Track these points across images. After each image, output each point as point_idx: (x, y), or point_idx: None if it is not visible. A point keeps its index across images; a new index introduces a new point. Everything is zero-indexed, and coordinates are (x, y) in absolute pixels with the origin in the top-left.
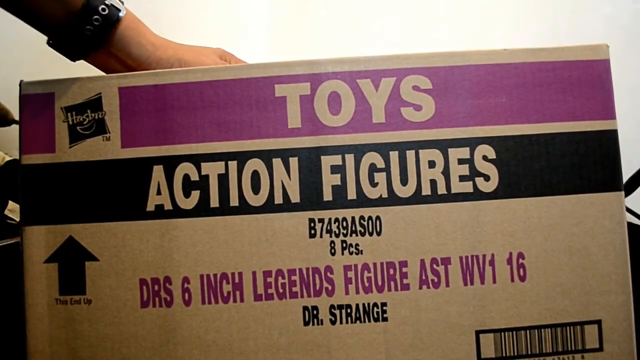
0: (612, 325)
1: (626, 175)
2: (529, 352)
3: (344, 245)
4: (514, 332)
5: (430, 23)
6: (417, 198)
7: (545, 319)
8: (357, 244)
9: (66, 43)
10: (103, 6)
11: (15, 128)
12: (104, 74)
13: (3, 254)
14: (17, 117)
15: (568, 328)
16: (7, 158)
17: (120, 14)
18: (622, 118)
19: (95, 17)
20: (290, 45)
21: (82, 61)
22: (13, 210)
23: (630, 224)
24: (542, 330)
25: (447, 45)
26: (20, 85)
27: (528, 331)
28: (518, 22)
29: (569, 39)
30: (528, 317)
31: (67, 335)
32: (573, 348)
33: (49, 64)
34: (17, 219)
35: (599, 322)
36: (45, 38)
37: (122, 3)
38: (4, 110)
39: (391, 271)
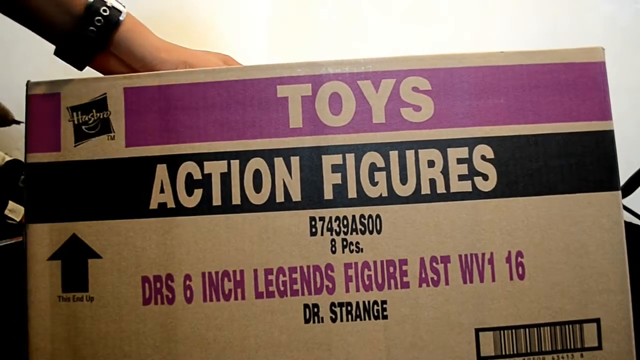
0: (610, 323)
1: (626, 176)
2: (528, 351)
3: (345, 243)
4: (513, 331)
5: (430, 24)
6: (416, 197)
7: (544, 317)
8: (357, 242)
9: (71, 48)
10: (104, 7)
11: (15, 128)
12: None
13: (3, 254)
14: (17, 117)
15: (567, 326)
16: (7, 158)
17: (121, 17)
18: (622, 118)
19: (97, 18)
20: (291, 47)
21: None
22: (13, 210)
23: (629, 224)
24: (541, 328)
25: (447, 46)
26: (27, 85)
27: (527, 329)
28: (518, 22)
29: (569, 39)
30: (527, 316)
31: (69, 333)
32: (572, 346)
33: (49, 65)
34: (17, 219)
35: (597, 321)
36: (46, 43)
37: (124, 7)
38: (4, 110)
39: (391, 269)
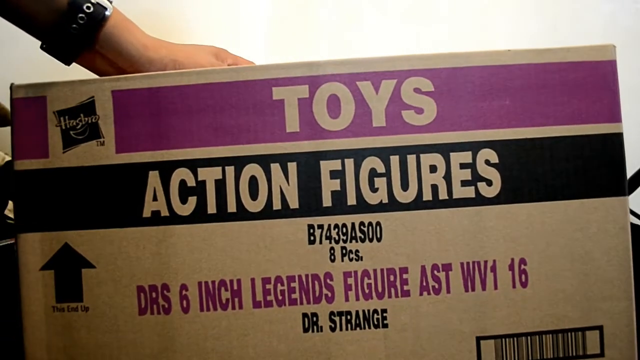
0: (613, 331)
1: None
2: (530, 358)
3: (344, 251)
4: (515, 338)
5: (430, 24)
6: (417, 203)
7: (546, 325)
8: (357, 250)
9: (55, 44)
10: (88, 4)
11: None
12: (97, 76)
13: (3, 254)
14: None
15: (569, 334)
16: (7, 158)
17: (107, 12)
18: (623, 118)
19: (80, 15)
20: (290, 47)
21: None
22: (13, 210)
23: (630, 225)
24: (544, 336)
25: (447, 46)
26: (10, 88)
27: (529, 337)
28: (518, 22)
29: (569, 38)
30: (529, 323)
31: (65, 343)
32: (574, 354)
33: (48, 64)
34: None
35: (600, 328)
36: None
37: (111, 2)
38: (4, 110)
39: (391, 277)
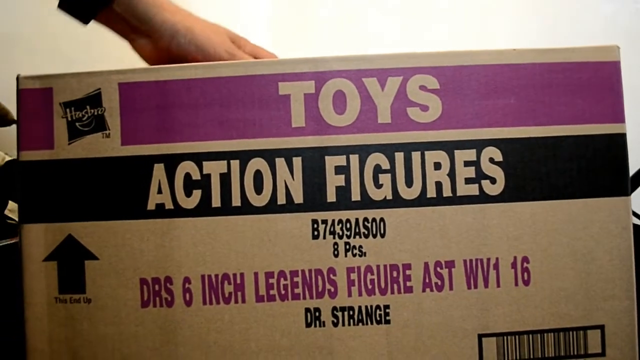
0: (615, 330)
1: None
2: (531, 356)
3: (347, 247)
4: (517, 336)
5: (431, 23)
6: (421, 200)
7: (548, 323)
8: (360, 246)
9: (74, 2)
10: None
11: (15, 128)
12: (102, 69)
13: (3, 253)
14: (16, 116)
15: (571, 333)
16: (7, 158)
17: None
18: None
19: None
20: (291, 47)
21: (80, 59)
22: (13, 210)
23: (633, 226)
24: (545, 334)
25: (447, 45)
26: (17, 79)
27: (531, 335)
28: (518, 22)
29: (570, 39)
30: (531, 322)
31: (66, 334)
32: (575, 353)
33: (48, 63)
34: (17, 219)
35: (602, 327)
36: (43, 35)
37: None
38: (4, 110)
39: (394, 274)
